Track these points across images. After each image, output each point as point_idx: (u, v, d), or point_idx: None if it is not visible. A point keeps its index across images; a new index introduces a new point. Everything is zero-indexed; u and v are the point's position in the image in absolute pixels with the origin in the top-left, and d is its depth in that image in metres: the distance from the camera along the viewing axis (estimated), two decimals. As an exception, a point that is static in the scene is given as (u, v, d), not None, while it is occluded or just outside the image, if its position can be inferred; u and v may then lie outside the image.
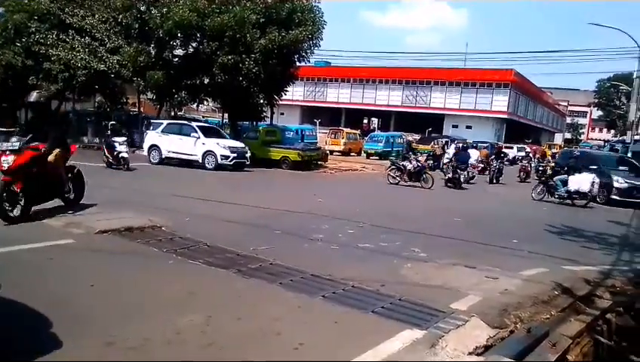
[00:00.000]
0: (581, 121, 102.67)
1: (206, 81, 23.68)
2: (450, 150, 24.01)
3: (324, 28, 23.65)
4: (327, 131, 37.77)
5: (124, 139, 17.15)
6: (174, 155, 19.87)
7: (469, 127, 54.34)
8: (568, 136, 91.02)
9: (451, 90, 56.82)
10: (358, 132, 41.33)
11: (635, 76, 31.08)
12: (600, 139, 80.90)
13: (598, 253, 9.08)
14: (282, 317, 4.78)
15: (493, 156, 25.24)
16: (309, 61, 26.27)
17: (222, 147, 19.27)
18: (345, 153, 34.71)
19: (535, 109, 69.44)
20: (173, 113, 30.49)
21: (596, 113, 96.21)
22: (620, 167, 18.37)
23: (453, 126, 55.76)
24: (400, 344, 4.29)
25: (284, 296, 5.33)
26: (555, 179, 16.70)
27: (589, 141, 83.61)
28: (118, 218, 8.25)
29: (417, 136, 47.31)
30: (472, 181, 21.51)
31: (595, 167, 17.47)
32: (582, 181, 15.72)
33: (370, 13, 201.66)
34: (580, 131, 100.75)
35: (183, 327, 4.35)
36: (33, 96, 27.88)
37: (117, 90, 28.14)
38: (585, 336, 5.02)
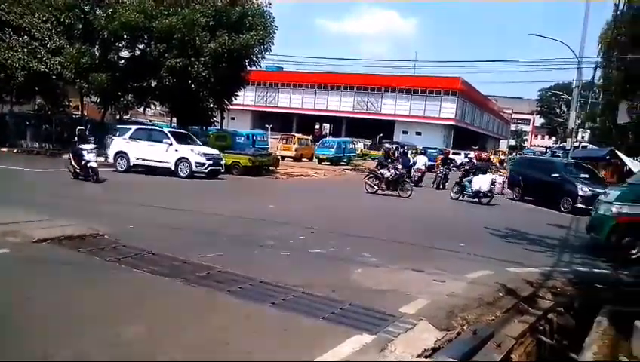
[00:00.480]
0: (524, 128, 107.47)
1: (153, 84, 23.10)
2: (421, 159, 24.89)
3: (275, 33, 23.59)
4: (279, 136, 37.65)
5: (93, 146, 15.54)
6: (144, 163, 18.96)
7: (418, 133, 55.67)
8: (513, 142, 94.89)
9: (401, 96, 58.08)
10: (309, 137, 41.41)
11: (574, 85, 32.68)
12: (542, 146, 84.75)
13: (540, 255, 9.43)
14: (230, 326, 4.68)
15: (439, 162, 25.88)
16: (260, 66, 26.11)
17: (196, 154, 18.54)
18: (296, 159, 34.68)
19: (481, 117, 71.97)
20: (118, 117, 29.48)
21: (539, 121, 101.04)
22: (581, 175, 17.88)
23: (404, 132, 56.99)
24: (350, 349, 4.30)
25: (232, 305, 5.22)
26: (464, 180, 18.27)
27: (532, 147, 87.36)
28: (59, 226, 7.84)
29: (368, 142, 48.13)
30: (420, 184, 22.07)
31: (557, 175, 17.57)
32: (482, 181, 17.35)
33: (323, 20, 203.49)
34: (524, 138, 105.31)
35: (124, 339, 4.19)
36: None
37: (59, 93, 26.92)
38: (528, 336, 5.18)
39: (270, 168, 24.10)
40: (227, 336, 4.44)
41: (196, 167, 18.35)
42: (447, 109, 56.42)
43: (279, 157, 27.96)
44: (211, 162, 18.76)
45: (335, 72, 57.54)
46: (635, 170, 17.18)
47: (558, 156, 31.27)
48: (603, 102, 37.49)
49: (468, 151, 41.62)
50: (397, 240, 9.39)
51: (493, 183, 17.61)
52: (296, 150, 35.37)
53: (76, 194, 12.60)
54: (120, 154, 19.02)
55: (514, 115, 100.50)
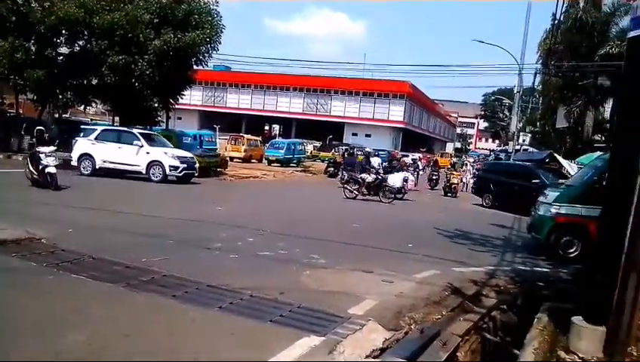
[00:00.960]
0: (469, 131, 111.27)
1: (94, 81, 22.15)
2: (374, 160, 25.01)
3: (222, 32, 23.16)
4: (228, 137, 37.10)
5: (53, 148, 13.70)
6: (111, 166, 17.87)
7: (368, 136, 56.35)
8: (458, 145, 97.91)
9: (351, 99, 58.67)
10: (259, 138, 41.06)
11: (515, 91, 34.04)
12: (486, 149, 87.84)
13: (485, 254, 9.71)
14: (175, 332, 4.55)
15: (386, 163, 26.28)
16: (207, 65, 25.61)
17: (170, 157, 17.62)
18: (246, 160, 34.28)
19: (429, 120, 73.84)
20: (57, 115, 28.13)
21: (483, 124, 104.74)
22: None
23: (353, 134, 57.54)
24: (298, 351, 4.28)
25: (178, 309, 5.07)
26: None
27: (476, 150, 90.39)
28: (-9, 230, 7.36)
29: (318, 143, 48.29)
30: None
31: (537, 181, 16.70)
32: (396, 179, 19.04)
33: (272, 21, 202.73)
34: (469, 141, 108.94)
35: (64, 348, 3.99)
36: None
37: (-10, 89, 25.45)
38: (473, 334, 5.30)
39: (218, 169, 23.71)
40: (173, 342, 4.31)
41: (170, 170, 17.48)
42: (396, 112, 57.48)
43: (228, 159, 27.57)
44: (185, 165, 17.94)
45: (284, 73, 57.46)
46: (571, 172, 18.00)
47: (501, 159, 32.53)
48: (543, 107, 39.34)
49: (414, 154, 42.57)
50: (347, 241, 9.40)
51: (405, 180, 19.63)
52: (245, 151, 34.96)
53: (19, 198, 11.50)
54: (85, 156, 17.86)
55: (459, 119, 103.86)
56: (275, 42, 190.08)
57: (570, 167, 20.50)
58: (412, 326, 5.07)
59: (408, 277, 7.10)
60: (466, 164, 30.43)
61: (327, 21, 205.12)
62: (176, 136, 23.97)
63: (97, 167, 17.82)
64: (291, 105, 60.36)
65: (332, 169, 28.72)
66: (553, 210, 10.00)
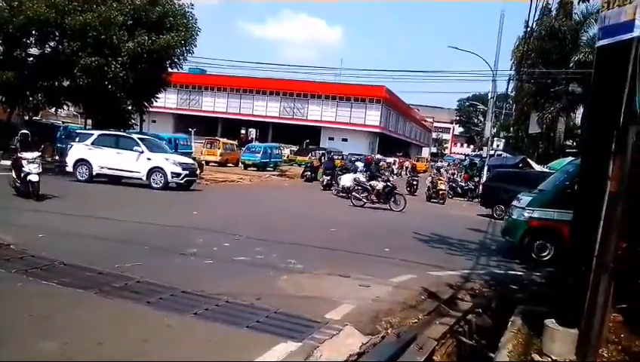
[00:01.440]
0: (445, 136, 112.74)
1: (66, 83, 21.67)
2: (359, 164, 26.53)
3: (197, 34, 22.92)
4: (203, 141, 36.77)
5: (37, 154, 12.56)
6: (109, 172, 17.40)
7: (344, 140, 56.53)
8: (434, 150, 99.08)
9: (327, 103, 58.77)
10: (235, 142, 40.81)
11: (489, 97, 34.56)
12: (461, 153, 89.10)
13: (461, 258, 9.80)
14: (150, 339, 4.48)
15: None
16: (181, 67, 25.31)
17: (172, 163, 17.25)
18: (222, 164, 34.01)
19: (405, 125, 74.50)
20: (27, 117, 27.42)
21: (458, 129, 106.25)
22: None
23: (330, 138, 57.63)
24: (275, 357, 4.25)
25: (152, 316, 4.98)
26: (337, 178, 22.21)
27: (452, 155, 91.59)
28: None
29: (295, 148, 48.25)
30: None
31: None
32: (346, 179, 20.57)
33: (248, 25, 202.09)
34: (445, 146, 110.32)
35: (34, 357, 3.91)
36: None
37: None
38: (449, 337, 5.35)
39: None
40: (147, 349, 4.24)
41: (172, 177, 17.09)
42: (373, 117, 57.81)
43: (203, 162, 27.29)
44: (187, 172, 17.57)
45: (261, 77, 57.24)
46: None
47: (475, 163, 32.93)
48: (516, 112, 40.09)
49: (389, 158, 42.90)
50: (324, 246, 9.37)
51: (354, 181, 20.25)
52: (221, 155, 34.70)
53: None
54: (81, 162, 17.34)
55: (435, 124, 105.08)
56: (250, 46, 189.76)
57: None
58: (389, 331, 5.08)
59: (385, 281, 7.11)
60: (438, 169, 28.90)
61: (303, 26, 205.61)
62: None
63: (95, 173, 17.36)
64: (268, 109, 60.15)
65: (309, 173, 28.72)
66: (526, 214, 10.16)
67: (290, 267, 7.54)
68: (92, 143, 17.55)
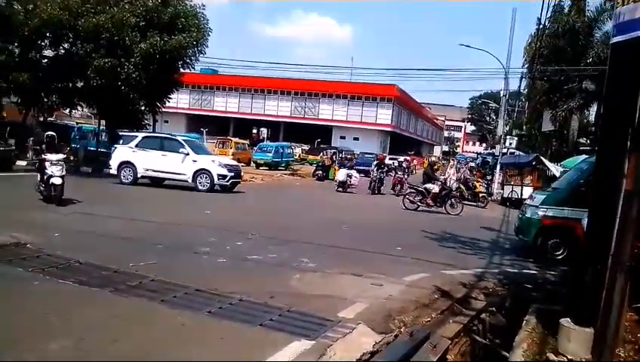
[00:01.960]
0: (457, 134, 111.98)
1: (80, 84, 21.93)
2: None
3: (209, 35, 23.07)
4: (215, 141, 36.95)
5: (62, 157, 12.04)
6: (154, 174, 17.50)
7: (356, 139, 56.46)
8: (446, 148, 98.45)
9: (338, 102, 58.72)
10: (247, 142, 40.95)
11: (502, 94, 34.27)
12: (473, 152, 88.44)
13: (473, 257, 9.74)
14: (164, 337, 4.52)
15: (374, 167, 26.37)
16: (194, 68, 25.48)
17: (218, 165, 17.31)
18: (234, 163, 34.14)
19: (416, 123, 74.17)
20: (42, 119, 27.74)
21: (470, 128, 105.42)
22: None
23: (341, 137, 57.56)
24: (288, 356, 4.25)
25: (167, 314, 5.02)
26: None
27: (464, 153, 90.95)
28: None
29: (307, 147, 48.28)
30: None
31: None
32: (341, 175, 22.77)
33: (258, 25, 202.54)
34: (456, 144, 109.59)
35: (51, 354, 3.93)
36: None
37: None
38: (462, 336, 5.32)
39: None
40: (162, 346, 4.28)
41: (218, 179, 17.11)
42: (384, 115, 57.67)
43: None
44: (232, 174, 17.60)
45: (272, 77, 57.35)
46: (557, 175, 18.16)
47: (488, 162, 32.70)
48: (529, 110, 39.71)
49: (400, 157, 42.77)
50: (336, 245, 9.36)
51: (350, 176, 22.67)
52: (233, 154, 34.79)
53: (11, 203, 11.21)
54: (125, 164, 17.42)
55: (447, 122, 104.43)
56: (262, 46, 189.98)
57: (555, 169, 20.70)
58: (402, 329, 5.06)
59: (398, 280, 7.08)
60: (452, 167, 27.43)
61: (314, 25, 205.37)
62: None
63: (139, 175, 17.42)
64: (279, 108, 60.26)
65: (320, 172, 28.72)
66: (540, 213, 10.07)
67: (302, 266, 7.56)
68: (136, 145, 17.58)
